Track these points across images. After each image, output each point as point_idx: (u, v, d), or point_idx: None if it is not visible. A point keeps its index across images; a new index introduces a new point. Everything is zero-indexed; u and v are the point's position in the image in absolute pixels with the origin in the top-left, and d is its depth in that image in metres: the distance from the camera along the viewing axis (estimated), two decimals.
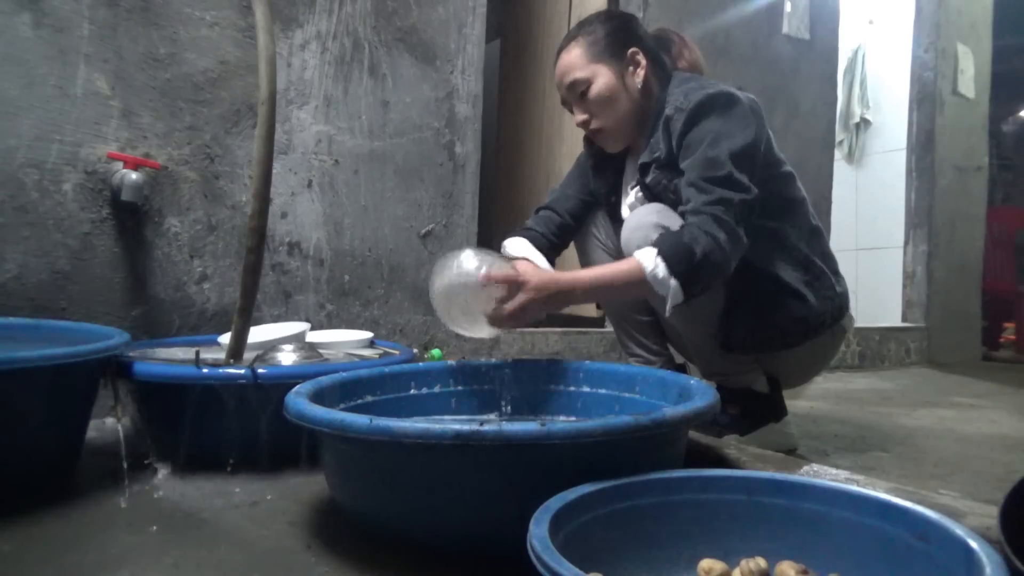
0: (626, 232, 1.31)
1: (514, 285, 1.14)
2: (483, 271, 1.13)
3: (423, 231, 2.02)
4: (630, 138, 1.40)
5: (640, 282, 1.15)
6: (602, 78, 1.33)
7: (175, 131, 1.62)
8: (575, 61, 1.34)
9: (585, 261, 1.57)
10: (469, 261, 1.15)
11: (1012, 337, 4.39)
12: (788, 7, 3.02)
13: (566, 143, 2.80)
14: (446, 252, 2.04)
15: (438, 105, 2.05)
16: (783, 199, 1.37)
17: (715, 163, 1.19)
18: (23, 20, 1.43)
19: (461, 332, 1.22)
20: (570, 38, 1.38)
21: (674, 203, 1.29)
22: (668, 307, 1.16)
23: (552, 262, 1.50)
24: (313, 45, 1.82)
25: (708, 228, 1.14)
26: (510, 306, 1.13)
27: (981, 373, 3.33)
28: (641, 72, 1.35)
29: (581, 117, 1.37)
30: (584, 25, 1.38)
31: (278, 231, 1.77)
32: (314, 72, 1.83)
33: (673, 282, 1.13)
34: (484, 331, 1.19)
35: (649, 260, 1.14)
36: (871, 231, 4.23)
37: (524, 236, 1.48)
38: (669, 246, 1.14)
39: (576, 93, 1.35)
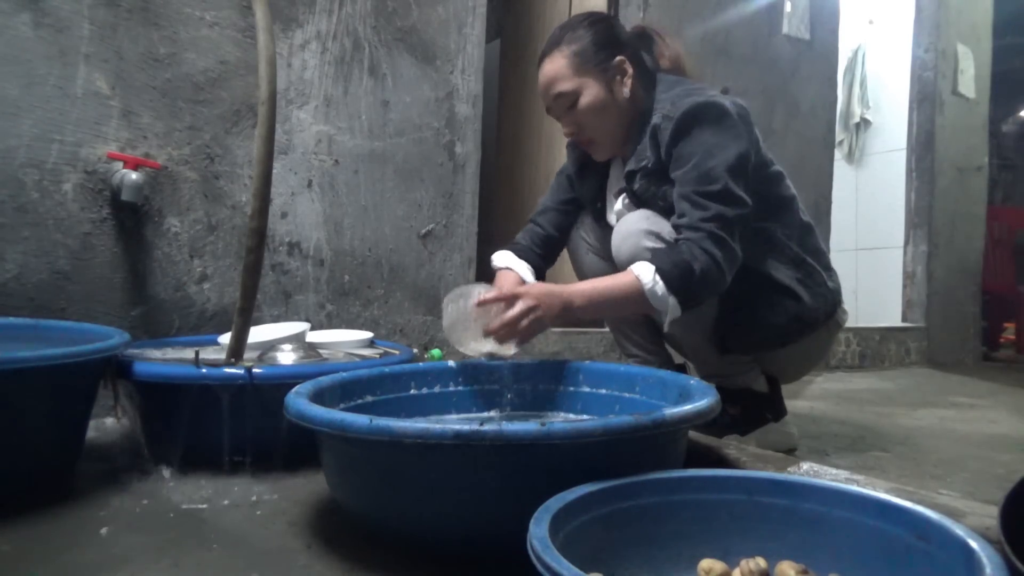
0: (616, 239, 1.30)
1: (511, 299, 1.14)
2: (478, 296, 1.16)
3: (423, 231, 2.02)
4: (619, 146, 1.38)
5: (638, 297, 1.16)
6: (590, 90, 1.30)
7: (175, 131, 1.62)
8: (560, 72, 1.31)
9: (576, 265, 1.56)
10: (466, 294, 1.19)
11: (1012, 337, 4.39)
12: (788, 7, 3.02)
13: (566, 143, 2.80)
14: (446, 254, 2.05)
15: (438, 105, 2.05)
16: (773, 198, 1.37)
17: (709, 177, 1.19)
18: (23, 20, 1.43)
19: (480, 353, 1.22)
20: (553, 43, 1.34)
21: (662, 209, 1.29)
22: (666, 322, 1.18)
23: (542, 274, 1.50)
24: (313, 45, 1.82)
25: (705, 246, 1.15)
26: (509, 314, 1.13)
27: (981, 373, 3.33)
28: (628, 81, 1.33)
29: (568, 129, 1.36)
30: (567, 30, 1.34)
31: (278, 231, 1.77)
32: (314, 72, 1.83)
33: (672, 299, 1.15)
34: (496, 348, 1.19)
35: (647, 276, 1.15)
36: (871, 231, 4.23)
37: (511, 249, 1.48)
38: (668, 264, 1.15)
39: (563, 105, 1.32)
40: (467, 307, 1.17)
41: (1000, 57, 4.20)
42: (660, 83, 1.35)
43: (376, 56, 1.93)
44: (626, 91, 1.33)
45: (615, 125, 1.34)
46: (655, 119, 1.28)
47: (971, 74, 3.86)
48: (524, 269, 1.44)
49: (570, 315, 1.19)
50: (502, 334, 1.15)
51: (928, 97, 3.69)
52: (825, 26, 3.20)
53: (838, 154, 4.07)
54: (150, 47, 1.58)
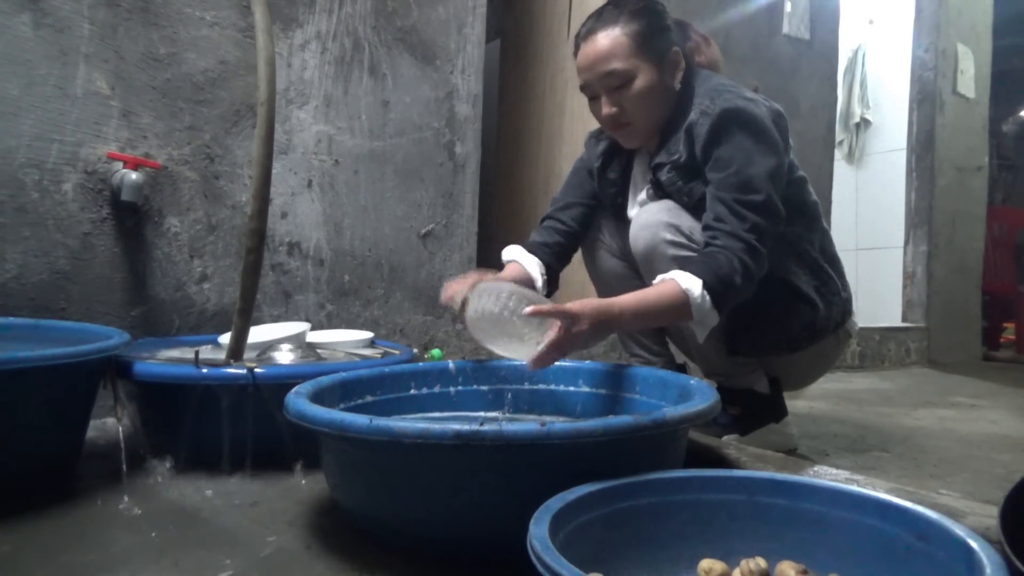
0: (635, 228, 1.30)
1: (566, 317, 1.05)
2: (529, 307, 1.06)
3: (423, 231, 2.02)
4: (652, 136, 1.35)
5: (684, 311, 1.14)
6: (645, 75, 1.27)
7: (175, 131, 1.62)
8: (617, 50, 1.25)
9: (590, 263, 1.55)
10: (513, 297, 1.10)
11: (1012, 337, 4.38)
12: (788, 7, 3.02)
13: (566, 143, 2.80)
14: (446, 254, 2.05)
15: (438, 105, 2.05)
16: (798, 204, 1.36)
17: (751, 186, 1.19)
18: (23, 20, 1.43)
19: (504, 353, 1.15)
20: (609, 20, 1.27)
21: (687, 205, 1.28)
22: (703, 335, 1.18)
23: (558, 272, 1.46)
24: (313, 45, 1.82)
25: (743, 257, 1.15)
26: (561, 336, 1.04)
27: (981, 373, 3.33)
28: (679, 74, 1.31)
29: (610, 110, 1.29)
30: (623, 10, 1.28)
31: (278, 231, 1.77)
32: (314, 72, 1.83)
33: (715, 313, 1.15)
34: (526, 353, 1.11)
35: (696, 291, 1.13)
36: (871, 231, 4.23)
37: (525, 247, 1.42)
38: (715, 279, 1.14)
39: (610, 84, 1.27)
40: (500, 309, 1.09)
41: (1000, 57, 4.20)
42: (697, 78, 1.34)
43: (376, 56, 1.93)
44: (676, 84, 1.31)
45: (659, 113, 1.32)
46: (692, 115, 1.26)
47: (971, 74, 3.86)
48: (532, 265, 1.38)
49: (614, 331, 1.17)
50: (550, 356, 1.07)
51: (928, 97, 3.69)
52: (825, 26, 3.20)
53: (838, 154, 4.07)
54: (150, 47, 1.58)
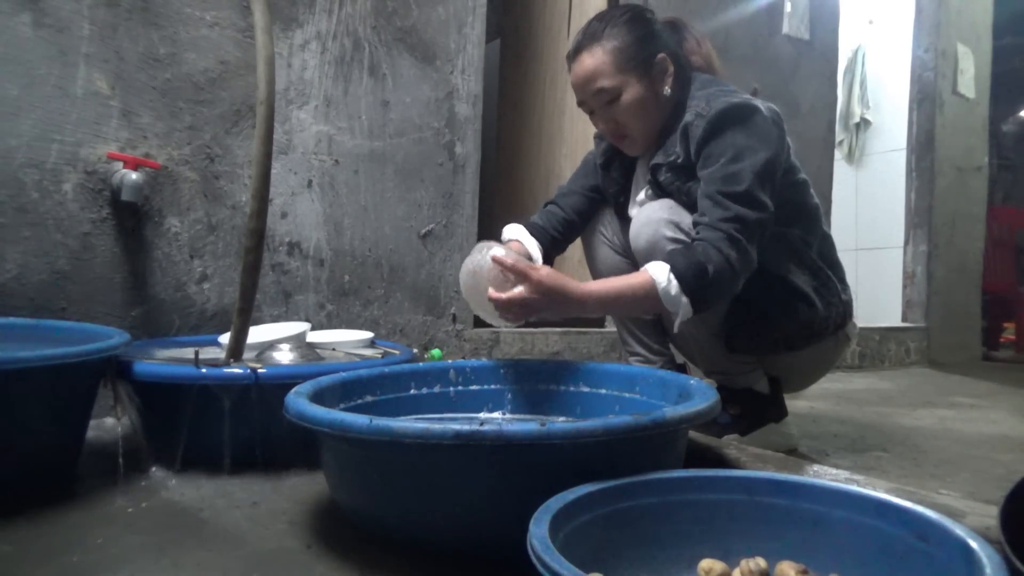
0: (635, 227, 1.30)
1: (520, 276, 1.12)
2: (494, 253, 1.16)
3: (423, 231, 2.02)
4: (653, 142, 1.36)
5: (652, 296, 1.14)
6: (632, 88, 1.28)
7: (175, 131, 1.62)
8: (601, 68, 1.28)
9: (591, 258, 1.56)
10: (492, 248, 1.19)
11: (1012, 337, 4.39)
12: (788, 7, 3.02)
13: (566, 143, 2.80)
14: (446, 254, 2.05)
15: (438, 105, 2.05)
16: (798, 206, 1.37)
17: (735, 178, 1.18)
18: (23, 20, 1.43)
19: (478, 313, 1.24)
20: (592, 37, 1.30)
21: (685, 204, 1.29)
22: (677, 323, 1.17)
23: (552, 257, 1.49)
24: (313, 45, 1.82)
25: (721, 246, 1.14)
26: (508, 295, 1.13)
27: (981, 373, 3.33)
28: (669, 79, 1.32)
29: (606, 125, 1.34)
30: (607, 24, 1.30)
31: (278, 231, 1.77)
32: (314, 72, 1.83)
33: (684, 299, 1.14)
34: (491, 316, 1.21)
35: (662, 276, 1.14)
36: (871, 231, 4.23)
37: (524, 226, 1.47)
38: (683, 264, 1.14)
39: (601, 101, 1.30)
40: (485, 260, 1.17)
41: (1000, 57, 4.20)
42: (695, 81, 1.34)
43: (376, 56, 1.93)
44: (667, 89, 1.32)
45: (654, 122, 1.33)
46: (688, 116, 1.27)
47: (971, 74, 3.85)
48: (533, 246, 1.42)
49: (578, 312, 1.17)
50: (500, 309, 1.15)
51: (928, 97, 3.69)
52: (825, 26, 3.20)
53: (838, 154, 4.07)
54: (150, 47, 1.58)
